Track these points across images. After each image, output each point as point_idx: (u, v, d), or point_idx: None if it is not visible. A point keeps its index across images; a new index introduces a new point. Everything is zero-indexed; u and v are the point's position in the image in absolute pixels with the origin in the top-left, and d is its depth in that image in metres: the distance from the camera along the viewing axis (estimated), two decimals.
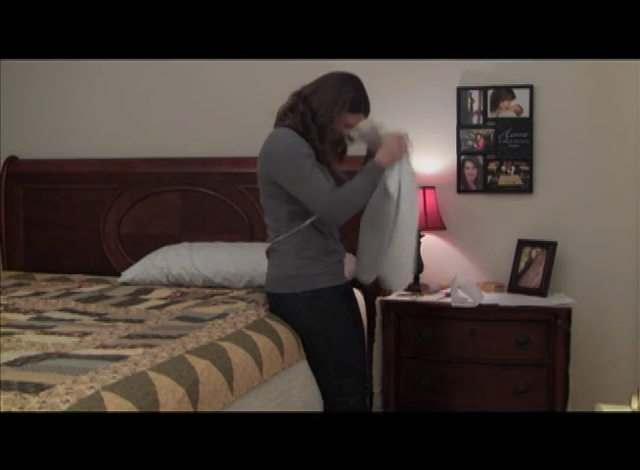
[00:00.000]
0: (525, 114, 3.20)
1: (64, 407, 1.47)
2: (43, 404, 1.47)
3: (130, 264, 3.37)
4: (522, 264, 3.14)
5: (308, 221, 2.36)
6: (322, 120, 2.37)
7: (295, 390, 2.37)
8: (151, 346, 2.01)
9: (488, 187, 3.25)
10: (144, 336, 2.18)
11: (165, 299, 2.86)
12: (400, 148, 2.37)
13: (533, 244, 3.14)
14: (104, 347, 2.02)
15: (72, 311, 2.61)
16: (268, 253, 2.51)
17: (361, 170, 2.41)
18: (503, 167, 3.24)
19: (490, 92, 3.23)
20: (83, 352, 1.95)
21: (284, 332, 2.40)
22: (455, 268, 3.22)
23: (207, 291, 2.99)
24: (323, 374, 2.45)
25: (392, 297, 3.06)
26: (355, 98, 2.40)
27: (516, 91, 3.20)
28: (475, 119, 3.26)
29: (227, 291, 2.97)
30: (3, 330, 2.22)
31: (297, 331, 2.44)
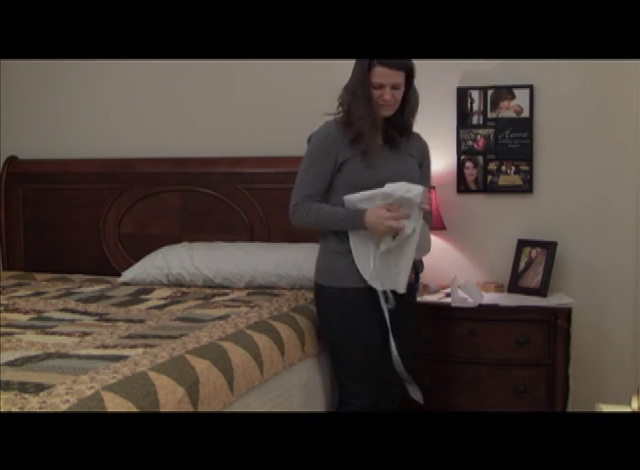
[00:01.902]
0: (526, 114, 3.20)
1: (64, 407, 1.47)
2: (43, 404, 1.47)
3: (130, 264, 3.37)
4: (522, 264, 3.14)
5: None
6: (353, 105, 2.33)
7: (295, 389, 2.37)
8: (151, 346, 2.01)
9: (488, 187, 3.26)
10: (144, 336, 2.18)
11: (166, 299, 2.86)
12: (384, 230, 2.29)
13: (533, 244, 3.14)
14: (104, 347, 2.02)
15: (73, 311, 2.61)
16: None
17: (350, 212, 2.34)
18: (503, 167, 3.24)
19: (490, 92, 3.23)
20: (83, 352, 1.95)
21: (285, 331, 2.40)
22: (455, 268, 3.22)
23: (208, 291, 2.99)
24: (335, 370, 2.49)
25: None
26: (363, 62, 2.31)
27: (516, 91, 3.20)
28: (475, 119, 3.26)
29: (227, 291, 2.97)
30: (3, 330, 2.22)
31: (320, 322, 2.49)
